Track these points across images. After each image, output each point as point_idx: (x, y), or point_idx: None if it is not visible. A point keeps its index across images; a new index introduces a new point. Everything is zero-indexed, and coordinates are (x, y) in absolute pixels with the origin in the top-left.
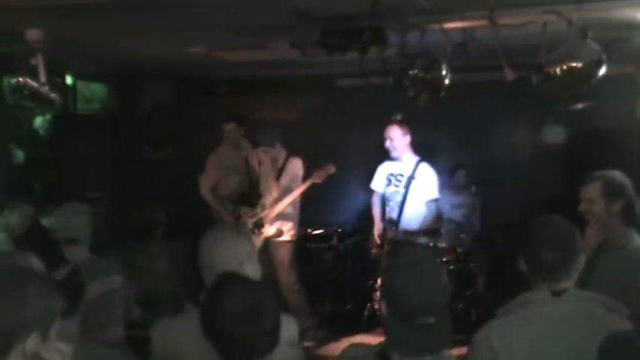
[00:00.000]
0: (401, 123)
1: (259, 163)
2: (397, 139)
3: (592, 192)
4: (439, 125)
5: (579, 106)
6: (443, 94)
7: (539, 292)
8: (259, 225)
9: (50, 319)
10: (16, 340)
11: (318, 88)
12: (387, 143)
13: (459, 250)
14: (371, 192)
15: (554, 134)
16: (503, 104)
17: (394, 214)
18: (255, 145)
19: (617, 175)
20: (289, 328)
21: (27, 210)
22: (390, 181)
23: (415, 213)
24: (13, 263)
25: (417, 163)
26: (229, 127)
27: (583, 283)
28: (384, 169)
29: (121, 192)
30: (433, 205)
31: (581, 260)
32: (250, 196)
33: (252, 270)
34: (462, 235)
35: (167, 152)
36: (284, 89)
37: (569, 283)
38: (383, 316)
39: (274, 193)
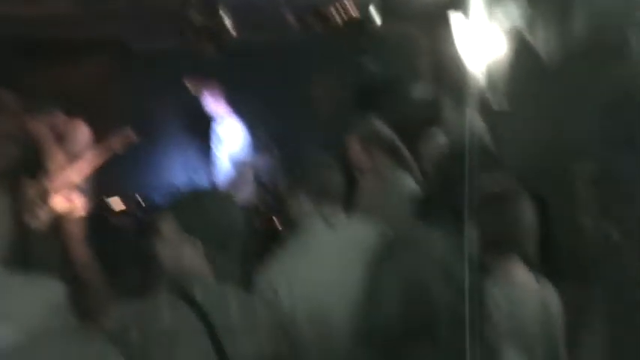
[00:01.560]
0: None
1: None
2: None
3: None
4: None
5: (364, 59)
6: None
7: (311, 222)
8: (43, 197)
9: None
10: None
11: (109, 51)
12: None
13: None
14: None
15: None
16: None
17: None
18: (30, 111)
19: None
20: (52, 291)
21: None
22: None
23: (224, 174)
24: None
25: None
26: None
27: None
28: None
29: None
30: (238, 166)
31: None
32: (31, 166)
33: None
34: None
35: None
36: (73, 53)
37: (339, 211)
38: None
39: (58, 162)
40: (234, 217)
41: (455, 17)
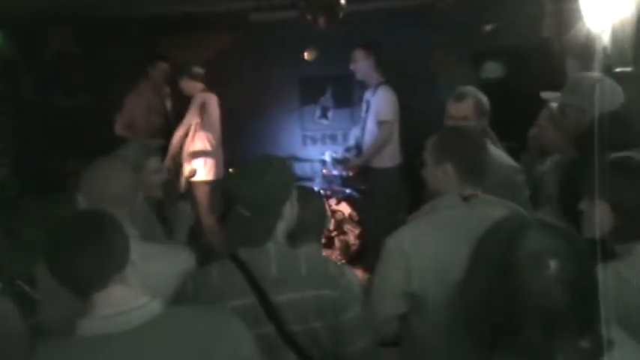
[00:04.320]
0: (364, 46)
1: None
2: (359, 61)
3: (465, 109)
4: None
5: (488, 27)
6: (340, 15)
7: (449, 197)
8: (177, 164)
9: None
10: None
11: (233, 24)
12: (351, 66)
13: None
14: None
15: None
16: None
17: (360, 140)
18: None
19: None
20: (182, 259)
21: None
22: (364, 106)
23: (371, 136)
24: None
25: (377, 86)
26: (163, 66)
27: None
28: (364, 96)
29: (26, 143)
30: (384, 127)
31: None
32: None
33: (136, 201)
34: None
35: (81, 100)
36: (197, 27)
37: (478, 189)
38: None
39: (183, 130)
40: None
41: None
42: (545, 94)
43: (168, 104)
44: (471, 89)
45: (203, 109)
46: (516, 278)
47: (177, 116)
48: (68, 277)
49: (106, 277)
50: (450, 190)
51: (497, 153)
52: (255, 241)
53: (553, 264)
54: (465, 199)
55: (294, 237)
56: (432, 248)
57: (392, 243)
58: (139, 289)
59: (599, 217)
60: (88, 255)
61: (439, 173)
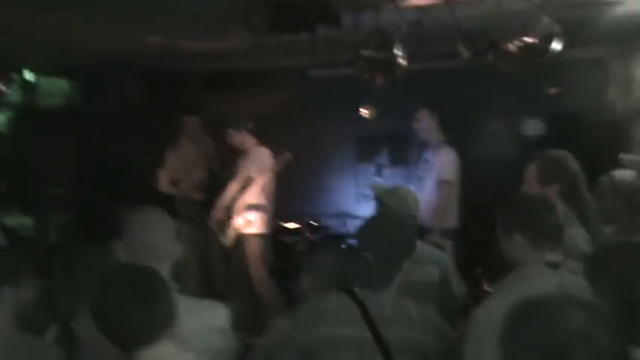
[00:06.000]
0: (429, 105)
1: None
2: (423, 120)
3: (528, 174)
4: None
5: (552, 90)
6: (399, 75)
7: (533, 265)
8: (228, 216)
9: None
10: None
11: (290, 79)
12: (415, 125)
13: None
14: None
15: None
16: (476, 92)
17: None
18: (221, 138)
19: (558, 155)
20: (217, 314)
21: None
22: (422, 165)
23: (429, 196)
24: None
25: (439, 146)
26: (192, 120)
27: None
28: (423, 155)
29: (86, 188)
30: (445, 188)
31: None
32: (216, 188)
33: (175, 251)
34: None
35: (136, 148)
36: (255, 82)
37: (560, 255)
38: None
39: (242, 184)
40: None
41: None
42: (625, 157)
43: (211, 155)
44: (546, 152)
45: (259, 163)
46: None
47: (222, 166)
48: (117, 333)
49: (154, 333)
50: (524, 259)
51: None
52: (375, 286)
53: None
54: (552, 265)
55: None
56: None
57: (482, 315)
58: (182, 345)
59: None
60: (138, 312)
61: (509, 243)
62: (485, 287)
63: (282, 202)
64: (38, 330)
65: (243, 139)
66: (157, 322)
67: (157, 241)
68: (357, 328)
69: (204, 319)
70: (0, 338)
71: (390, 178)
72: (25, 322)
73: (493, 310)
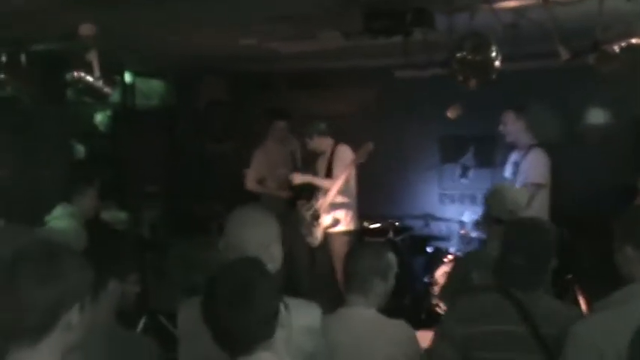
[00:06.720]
0: (513, 108)
1: (311, 155)
2: (509, 124)
3: None
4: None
5: None
6: (493, 77)
7: (637, 286)
8: (316, 216)
9: (86, 291)
10: (61, 312)
11: (376, 80)
12: (501, 128)
13: None
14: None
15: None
16: (564, 90)
17: None
18: (302, 138)
19: None
20: (309, 314)
21: (93, 192)
22: (511, 168)
23: None
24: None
25: (528, 148)
26: (280, 124)
27: None
28: (511, 158)
29: (178, 186)
30: (533, 190)
31: None
32: (304, 188)
33: (278, 252)
34: None
35: (227, 146)
36: (341, 82)
37: None
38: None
39: (327, 184)
40: None
41: None
42: None
43: (295, 153)
44: None
45: (342, 161)
46: None
47: (306, 165)
48: (219, 334)
49: (252, 343)
50: (634, 272)
51: None
52: (529, 287)
53: None
54: None
55: None
56: (624, 344)
57: (583, 333)
58: (283, 353)
59: None
60: (237, 319)
61: (620, 255)
62: (579, 295)
63: (366, 202)
64: (131, 322)
65: (320, 141)
66: (256, 333)
67: (258, 239)
68: (513, 325)
69: (297, 320)
70: (99, 329)
71: (475, 179)
72: (121, 314)
73: (595, 327)
